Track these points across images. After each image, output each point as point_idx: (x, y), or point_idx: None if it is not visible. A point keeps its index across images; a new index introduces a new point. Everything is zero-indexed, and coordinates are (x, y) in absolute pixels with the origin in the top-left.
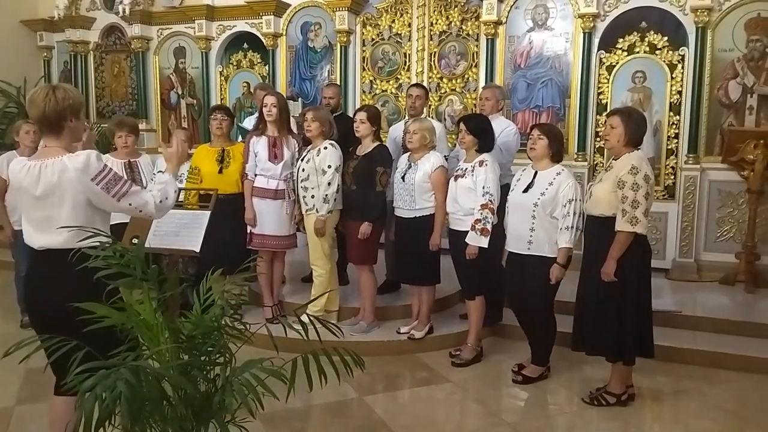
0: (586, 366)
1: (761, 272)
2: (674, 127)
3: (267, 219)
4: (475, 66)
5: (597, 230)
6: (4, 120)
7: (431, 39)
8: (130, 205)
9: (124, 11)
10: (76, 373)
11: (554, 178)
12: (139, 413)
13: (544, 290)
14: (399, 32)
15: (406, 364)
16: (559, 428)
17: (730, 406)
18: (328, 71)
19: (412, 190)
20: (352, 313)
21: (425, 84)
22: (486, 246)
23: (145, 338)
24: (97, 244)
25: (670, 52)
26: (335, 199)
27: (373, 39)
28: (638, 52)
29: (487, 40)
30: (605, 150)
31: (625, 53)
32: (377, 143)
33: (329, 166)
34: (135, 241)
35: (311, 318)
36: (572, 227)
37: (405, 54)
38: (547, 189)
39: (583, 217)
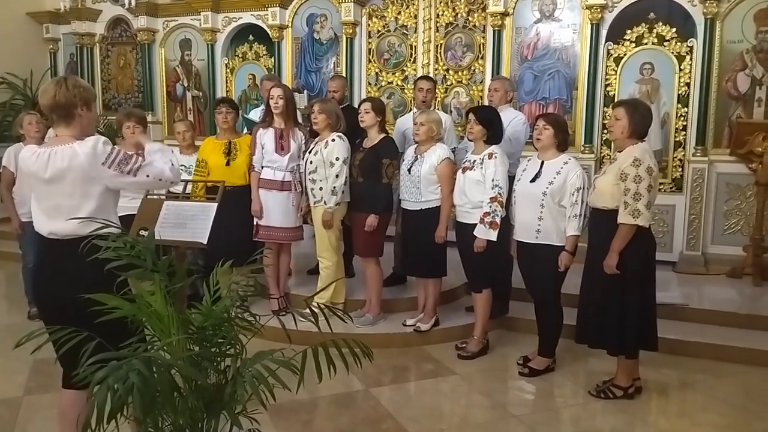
0: (591, 359)
1: None
2: (682, 119)
3: (273, 211)
4: (482, 58)
5: (600, 223)
6: (11, 112)
7: (437, 30)
8: (148, 176)
9: (129, 3)
10: (88, 364)
11: (561, 167)
12: (152, 404)
13: (553, 278)
14: (405, 24)
15: (412, 356)
16: (565, 421)
17: (737, 400)
18: (334, 63)
19: (418, 183)
20: (358, 306)
21: (432, 76)
22: (495, 239)
23: (156, 330)
24: (107, 234)
25: (679, 43)
26: (343, 192)
27: (379, 31)
28: (646, 44)
29: (494, 31)
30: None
31: (633, 45)
32: (383, 135)
33: (337, 159)
34: (143, 232)
35: (321, 306)
36: (580, 215)
37: (411, 46)
38: (555, 178)
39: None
